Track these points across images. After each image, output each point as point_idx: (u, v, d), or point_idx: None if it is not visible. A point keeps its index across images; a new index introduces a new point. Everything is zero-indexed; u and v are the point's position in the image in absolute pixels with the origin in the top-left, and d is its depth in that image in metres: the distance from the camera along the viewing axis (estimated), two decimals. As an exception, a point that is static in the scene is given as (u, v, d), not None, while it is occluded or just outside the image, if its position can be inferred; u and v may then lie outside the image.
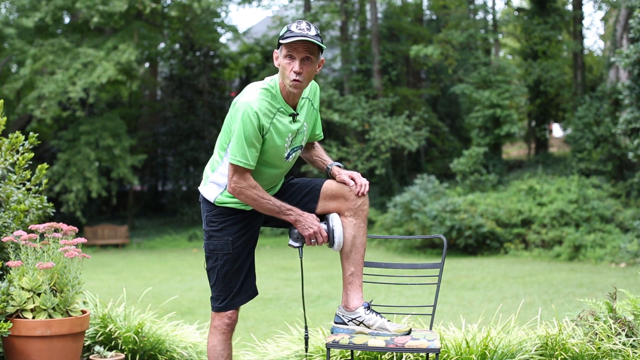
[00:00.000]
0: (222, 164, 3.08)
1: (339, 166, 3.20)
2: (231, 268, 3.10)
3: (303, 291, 3.30)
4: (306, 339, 3.28)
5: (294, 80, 2.92)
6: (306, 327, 3.29)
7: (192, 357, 4.11)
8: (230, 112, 3.02)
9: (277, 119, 2.97)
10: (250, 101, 2.92)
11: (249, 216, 3.13)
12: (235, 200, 3.08)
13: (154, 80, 28.31)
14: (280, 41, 2.91)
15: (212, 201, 3.11)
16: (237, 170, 2.96)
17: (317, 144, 3.33)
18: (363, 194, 3.09)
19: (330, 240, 3.04)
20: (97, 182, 21.97)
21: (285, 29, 2.93)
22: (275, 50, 3.00)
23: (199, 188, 3.20)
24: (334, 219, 3.06)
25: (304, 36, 2.86)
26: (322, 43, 2.91)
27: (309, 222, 3.04)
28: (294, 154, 3.13)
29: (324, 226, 3.04)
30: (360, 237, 3.09)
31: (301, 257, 3.14)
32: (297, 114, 3.05)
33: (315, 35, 2.89)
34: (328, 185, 3.14)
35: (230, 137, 3.01)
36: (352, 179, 3.10)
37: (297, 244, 3.06)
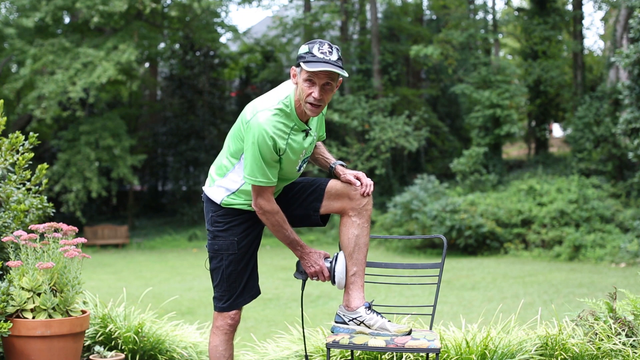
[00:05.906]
0: (233, 170, 3.05)
1: (343, 165, 3.19)
2: (236, 268, 3.09)
3: (303, 325, 3.31)
4: None
5: (314, 104, 2.89)
6: (306, 357, 3.29)
7: (192, 357, 4.10)
8: (241, 125, 2.96)
9: (291, 138, 2.95)
10: (264, 123, 2.86)
11: (254, 216, 3.11)
12: (241, 202, 3.08)
13: (154, 80, 28.29)
14: (302, 64, 2.84)
15: (218, 202, 3.10)
16: (261, 190, 2.95)
17: (319, 142, 3.33)
18: (368, 194, 3.09)
19: (331, 279, 3.08)
20: (97, 182, 21.96)
21: (306, 48, 2.85)
22: (294, 67, 2.93)
23: (204, 188, 3.17)
24: (339, 260, 3.07)
25: (327, 63, 2.80)
26: (343, 68, 2.85)
27: (312, 260, 3.07)
28: (304, 165, 3.14)
29: (327, 265, 3.07)
30: (364, 237, 3.08)
31: (302, 290, 3.18)
32: (310, 129, 3.04)
33: (338, 59, 2.85)
34: (333, 184, 3.13)
35: (241, 147, 2.97)
36: (358, 178, 3.10)
37: (301, 277, 3.13)
